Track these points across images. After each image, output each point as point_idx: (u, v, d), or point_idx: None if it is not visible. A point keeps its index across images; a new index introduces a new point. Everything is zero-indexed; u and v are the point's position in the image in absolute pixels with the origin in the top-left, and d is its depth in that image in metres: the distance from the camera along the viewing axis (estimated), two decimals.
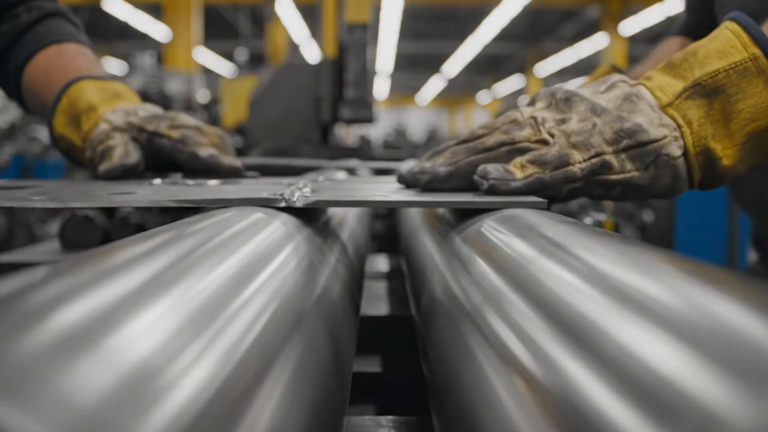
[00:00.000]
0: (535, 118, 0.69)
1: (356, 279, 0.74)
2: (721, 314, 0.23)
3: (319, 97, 2.90)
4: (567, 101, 0.70)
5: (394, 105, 30.43)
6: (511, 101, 21.22)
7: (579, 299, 0.31)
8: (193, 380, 0.23)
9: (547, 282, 0.36)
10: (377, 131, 14.10)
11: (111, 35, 18.95)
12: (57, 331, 0.21)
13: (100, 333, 0.22)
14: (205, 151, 0.97)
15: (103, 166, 0.95)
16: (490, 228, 0.53)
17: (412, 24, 17.39)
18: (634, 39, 16.91)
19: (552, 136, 0.67)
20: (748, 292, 0.25)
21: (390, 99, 29.15)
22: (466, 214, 0.62)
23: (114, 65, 20.68)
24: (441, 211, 0.78)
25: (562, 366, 0.27)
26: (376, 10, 11.16)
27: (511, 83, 25.59)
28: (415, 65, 24.33)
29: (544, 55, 21.13)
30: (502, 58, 23.00)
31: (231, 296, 0.31)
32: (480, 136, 0.70)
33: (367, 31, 2.83)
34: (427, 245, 0.76)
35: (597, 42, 16.58)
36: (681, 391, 0.20)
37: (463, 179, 0.68)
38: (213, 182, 0.88)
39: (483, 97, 29.53)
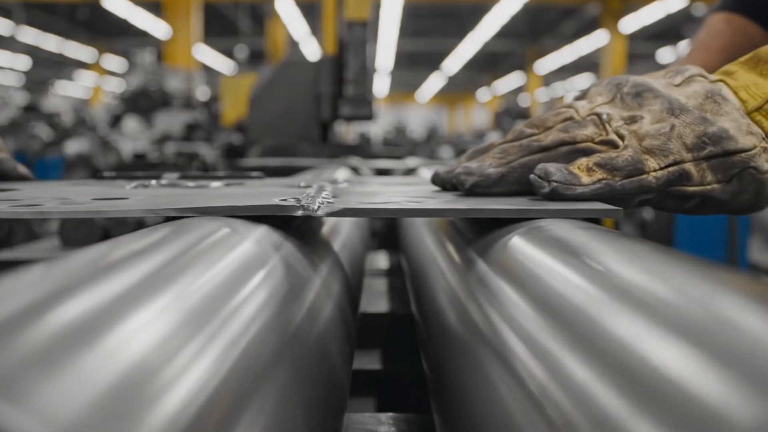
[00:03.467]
0: (599, 116, 0.61)
1: (352, 287, 0.71)
2: (727, 313, 0.23)
3: (318, 94, 2.90)
4: (637, 96, 0.61)
5: (394, 102, 30.42)
6: (511, 99, 21.21)
7: (581, 298, 0.31)
8: (183, 391, 0.23)
9: (560, 291, 0.36)
10: (377, 129, 14.09)
11: (111, 32, 18.93)
12: (55, 329, 0.21)
13: (97, 331, 0.22)
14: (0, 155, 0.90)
15: None
16: (517, 237, 0.46)
17: (412, 21, 17.37)
18: (634, 36, 16.89)
19: (621, 137, 0.59)
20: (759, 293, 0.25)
21: (390, 96, 29.13)
22: (481, 219, 0.56)
23: (114, 63, 20.67)
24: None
25: (560, 363, 0.27)
26: (376, 7, 11.16)
27: (511, 80, 25.57)
28: (415, 62, 24.31)
29: (544, 53, 21.11)
30: (502, 56, 22.98)
31: (204, 319, 0.27)
32: (531, 134, 0.62)
33: (367, 28, 2.83)
34: (427, 243, 0.76)
35: (597, 39, 16.57)
36: (682, 390, 0.20)
37: (515, 183, 0.60)
38: (216, 184, 0.83)
39: (483, 94, 29.51)
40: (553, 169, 0.56)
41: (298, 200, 0.55)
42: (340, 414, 0.47)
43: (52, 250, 1.11)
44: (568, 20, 17.92)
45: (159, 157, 5.31)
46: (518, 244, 0.44)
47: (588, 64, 20.91)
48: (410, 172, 1.76)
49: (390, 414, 0.65)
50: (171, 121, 7.15)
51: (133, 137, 6.99)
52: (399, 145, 7.52)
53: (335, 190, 0.69)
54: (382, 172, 1.94)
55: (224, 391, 0.24)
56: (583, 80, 24.33)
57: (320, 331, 0.43)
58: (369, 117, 2.85)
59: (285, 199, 0.56)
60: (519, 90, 25.31)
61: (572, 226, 0.44)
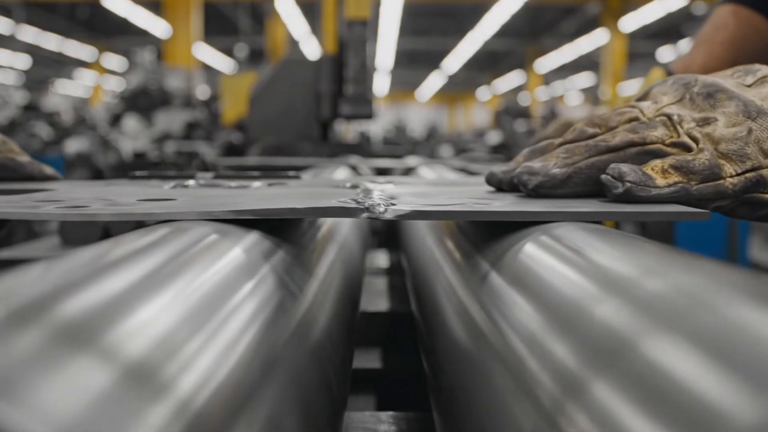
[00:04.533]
0: (668, 117, 0.59)
1: (352, 288, 0.70)
2: (727, 312, 0.23)
3: (318, 93, 2.90)
4: (709, 97, 0.59)
5: (394, 101, 30.41)
6: (511, 98, 21.21)
7: (581, 297, 0.31)
8: (177, 400, 0.23)
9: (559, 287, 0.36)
10: (377, 128, 14.09)
11: (111, 31, 18.92)
12: (53, 328, 0.21)
13: (96, 331, 0.22)
14: (24, 158, 0.89)
15: None
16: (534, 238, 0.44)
17: (412, 20, 17.36)
18: (634, 35, 16.89)
19: (694, 140, 0.57)
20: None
21: (390, 95, 29.12)
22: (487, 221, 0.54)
23: (114, 61, 20.67)
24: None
25: (560, 361, 0.27)
26: (376, 6, 11.15)
27: (511, 79, 25.56)
28: (415, 61, 24.30)
29: (544, 51, 21.10)
30: (502, 55, 22.97)
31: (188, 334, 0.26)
32: (593, 134, 0.60)
33: (367, 27, 2.82)
34: (428, 242, 0.76)
35: (597, 38, 16.56)
36: (684, 389, 0.20)
37: (581, 184, 0.58)
38: (257, 184, 0.80)
39: (483, 93, 29.51)
40: (627, 169, 0.55)
41: (357, 201, 0.52)
42: (338, 418, 0.47)
43: (53, 249, 1.11)
44: (568, 19, 17.91)
45: (159, 156, 5.31)
46: (523, 246, 0.44)
47: (588, 62, 20.89)
48: (410, 171, 1.76)
49: (390, 413, 0.65)
50: (171, 120, 7.15)
51: (133, 136, 6.99)
52: (399, 144, 7.51)
53: (384, 191, 0.67)
54: (382, 171, 1.94)
55: (215, 402, 0.24)
56: (583, 79, 24.31)
57: (316, 339, 0.42)
58: (369, 116, 2.85)
59: (343, 201, 0.53)
60: (519, 89, 25.30)
61: (579, 228, 0.44)
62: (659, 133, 0.58)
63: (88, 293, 0.24)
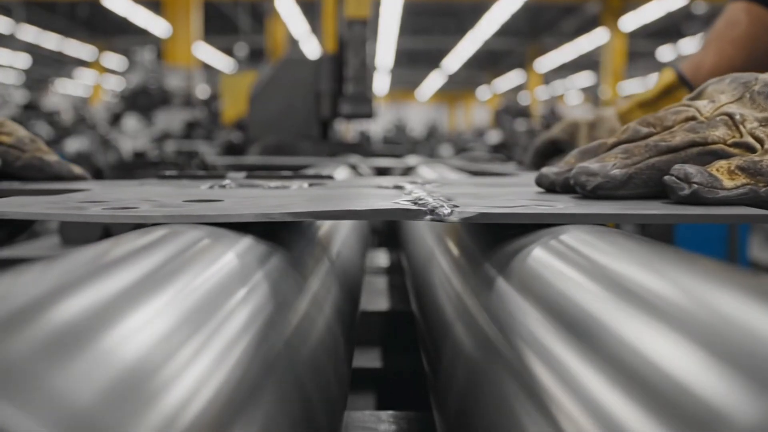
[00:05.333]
0: (730, 116, 0.58)
1: (351, 289, 0.69)
2: (727, 311, 0.23)
3: (318, 92, 2.90)
4: None
5: (394, 100, 30.40)
6: (511, 97, 21.21)
7: (585, 299, 0.31)
8: (170, 407, 0.23)
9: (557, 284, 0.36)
10: (377, 127, 14.08)
11: (110, 31, 18.92)
12: (52, 328, 0.21)
13: (95, 330, 0.22)
14: (52, 158, 0.88)
15: None
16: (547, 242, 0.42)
17: (412, 19, 17.36)
18: (634, 34, 16.89)
19: (758, 140, 0.56)
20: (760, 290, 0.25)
21: (390, 94, 29.11)
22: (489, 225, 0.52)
23: (114, 61, 20.67)
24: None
25: (560, 361, 0.27)
26: (376, 5, 11.15)
27: (511, 79, 25.55)
28: (415, 61, 24.30)
29: (544, 51, 21.10)
30: (502, 54, 22.96)
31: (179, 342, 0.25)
32: (649, 134, 0.59)
33: (367, 26, 2.82)
34: (428, 241, 0.76)
35: (597, 37, 16.56)
36: (685, 388, 0.20)
37: (642, 185, 0.57)
38: (298, 185, 0.78)
39: (483, 92, 29.50)
40: (693, 170, 0.53)
41: (416, 203, 0.51)
42: (338, 417, 0.47)
43: (53, 248, 1.11)
44: (568, 18, 17.90)
45: (159, 155, 5.31)
46: (526, 247, 0.44)
47: (588, 62, 20.89)
48: (410, 170, 1.76)
49: (390, 412, 0.65)
50: (171, 119, 7.15)
51: (133, 135, 6.99)
52: (399, 143, 7.51)
53: (435, 192, 0.64)
54: (382, 171, 1.94)
55: (208, 411, 0.23)
56: (583, 78, 24.30)
57: (315, 341, 0.42)
58: (369, 115, 2.85)
59: (397, 202, 0.52)
60: (519, 88, 25.29)
61: (585, 231, 0.44)
62: (721, 132, 0.57)
63: (67, 303, 0.23)
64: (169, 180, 0.90)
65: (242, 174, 0.91)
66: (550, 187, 0.64)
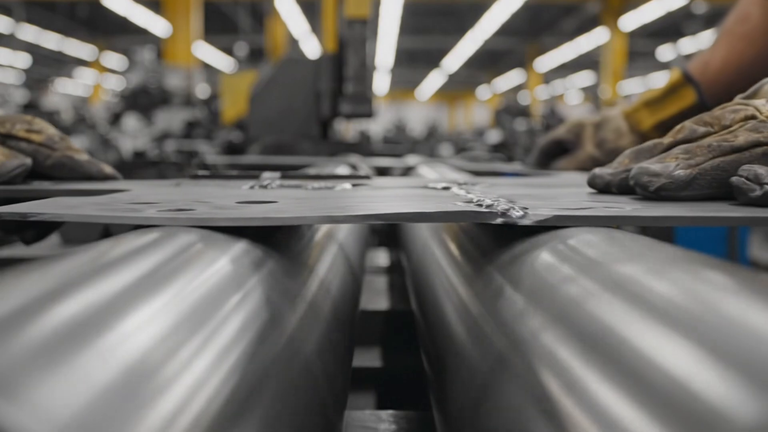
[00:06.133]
0: None
1: (351, 290, 0.68)
2: (717, 304, 0.23)
3: (318, 92, 2.90)
4: None
5: (394, 100, 30.40)
6: (511, 96, 21.20)
7: (584, 297, 0.31)
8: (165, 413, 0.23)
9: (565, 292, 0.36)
10: (377, 126, 14.09)
11: (110, 30, 18.91)
12: (51, 328, 0.21)
13: (89, 334, 0.22)
14: (83, 157, 0.86)
15: None
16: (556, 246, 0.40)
17: (412, 19, 17.35)
18: (634, 34, 16.89)
19: None
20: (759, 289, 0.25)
21: (390, 94, 29.10)
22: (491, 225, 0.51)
23: (114, 60, 20.67)
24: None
25: (559, 360, 0.27)
26: (376, 4, 11.14)
27: (511, 78, 25.55)
28: (415, 60, 24.29)
29: (544, 50, 21.10)
30: (502, 53, 22.96)
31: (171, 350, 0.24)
32: (707, 133, 0.59)
33: (367, 26, 2.82)
34: (428, 241, 0.76)
35: (597, 37, 16.56)
36: (685, 388, 0.20)
37: (706, 186, 0.56)
38: (341, 185, 0.76)
39: (483, 92, 29.49)
40: (764, 171, 0.52)
41: (484, 205, 0.49)
42: (339, 417, 0.47)
43: (53, 248, 1.11)
44: (568, 18, 17.90)
45: (159, 155, 5.31)
46: (525, 247, 0.44)
47: (588, 61, 20.88)
48: (410, 170, 1.76)
49: (390, 411, 0.65)
50: (171, 118, 7.15)
51: (133, 135, 6.99)
52: (399, 142, 7.51)
53: (491, 193, 0.62)
54: (382, 170, 1.94)
55: (202, 418, 0.23)
56: (583, 78, 24.30)
57: (313, 344, 0.42)
58: (369, 114, 2.85)
59: (469, 204, 0.51)
60: (519, 88, 25.29)
61: (585, 232, 0.44)
62: None
63: (61, 306, 0.23)
64: (202, 180, 0.88)
65: (275, 174, 0.90)
66: (605, 188, 0.63)
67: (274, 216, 0.46)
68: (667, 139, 0.61)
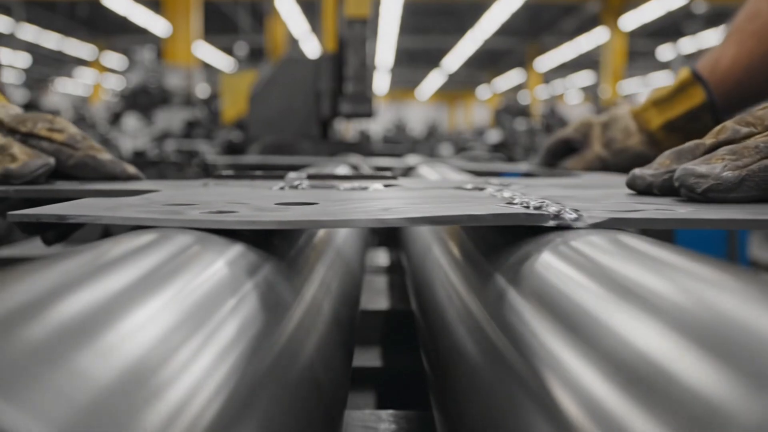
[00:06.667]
0: None
1: (351, 291, 0.68)
2: (726, 309, 0.23)
3: (318, 91, 2.90)
4: None
5: (394, 100, 30.41)
6: (511, 96, 21.21)
7: (583, 297, 0.31)
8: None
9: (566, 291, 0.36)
10: (377, 126, 14.09)
11: (111, 30, 18.92)
12: (51, 327, 0.21)
13: (94, 330, 0.22)
14: (106, 156, 0.83)
15: (11, 167, 0.75)
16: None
17: (412, 18, 17.36)
18: (634, 34, 16.89)
19: None
20: (755, 288, 0.25)
21: (390, 94, 29.11)
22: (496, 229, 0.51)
23: (114, 60, 20.67)
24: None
25: (559, 360, 0.27)
26: (376, 4, 11.15)
27: (511, 78, 25.56)
28: (415, 60, 24.30)
29: (544, 50, 21.10)
30: (502, 53, 22.96)
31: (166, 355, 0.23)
32: (749, 134, 0.58)
33: (367, 25, 2.82)
34: (428, 240, 0.76)
35: (597, 36, 16.56)
36: (685, 386, 0.20)
37: (755, 188, 0.55)
38: (374, 186, 0.74)
39: (483, 91, 29.50)
40: None
41: (534, 207, 0.47)
42: (338, 416, 0.47)
43: (53, 247, 1.11)
44: (568, 17, 17.91)
45: (158, 154, 5.31)
46: (526, 247, 0.44)
47: (588, 61, 20.89)
48: (410, 170, 1.76)
49: (390, 411, 0.65)
50: (171, 118, 7.16)
51: (133, 135, 6.99)
52: (399, 142, 7.52)
53: (525, 192, 0.61)
54: (382, 170, 1.94)
55: (204, 417, 0.23)
56: (583, 78, 24.31)
57: (313, 344, 0.42)
58: (369, 114, 2.85)
59: (514, 206, 0.49)
60: (519, 87, 25.30)
61: (587, 233, 0.44)
62: None
63: (45, 315, 0.22)
64: (228, 180, 0.86)
65: (302, 174, 0.88)
66: (647, 189, 0.62)
67: (326, 219, 0.44)
68: (708, 140, 0.60)
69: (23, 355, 0.18)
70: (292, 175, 0.90)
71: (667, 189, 0.60)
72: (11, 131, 0.80)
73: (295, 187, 0.73)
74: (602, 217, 0.44)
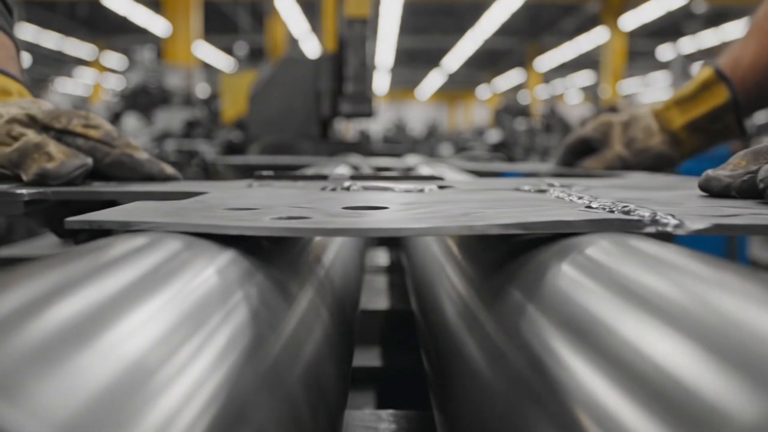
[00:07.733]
0: None
1: (350, 292, 0.67)
2: (727, 309, 0.23)
3: (318, 91, 2.90)
4: None
5: (394, 100, 30.40)
6: (511, 96, 21.20)
7: (582, 296, 0.31)
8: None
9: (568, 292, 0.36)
10: (377, 126, 14.09)
11: (110, 30, 18.91)
12: (50, 327, 0.21)
13: (92, 332, 0.22)
14: (143, 155, 0.79)
15: (48, 167, 0.71)
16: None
17: (412, 18, 17.35)
18: (634, 33, 16.89)
19: None
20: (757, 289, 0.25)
21: (390, 94, 29.10)
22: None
23: (114, 60, 20.66)
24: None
25: (559, 360, 0.27)
26: (376, 4, 11.15)
27: (511, 78, 25.55)
28: (415, 60, 24.29)
29: (544, 50, 21.10)
30: (502, 53, 22.96)
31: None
32: None
33: (367, 25, 2.82)
34: (428, 240, 0.76)
35: (597, 36, 16.56)
36: (685, 387, 0.20)
37: None
38: (401, 186, 0.71)
39: (483, 91, 29.49)
40: None
41: (624, 212, 0.44)
42: (339, 416, 0.47)
43: (53, 247, 1.11)
44: (568, 17, 17.90)
45: (159, 154, 5.31)
46: (527, 247, 0.44)
47: (588, 61, 20.89)
48: (410, 170, 1.76)
49: (390, 411, 0.65)
50: (171, 118, 7.15)
51: (133, 134, 6.98)
52: (399, 142, 7.52)
53: (594, 196, 0.57)
54: (382, 170, 1.94)
55: (203, 418, 0.23)
56: (583, 77, 24.31)
57: (313, 345, 0.42)
58: (369, 114, 2.85)
59: (592, 209, 0.47)
60: (519, 87, 25.29)
61: (596, 236, 0.43)
62: None
63: (43, 315, 0.22)
64: (269, 181, 0.83)
65: (344, 175, 0.85)
66: (723, 191, 0.59)
67: (417, 227, 0.42)
68: None
69: (16, 357, 0.18)
70: (335, 175, 0.86)
71: (746, 191, 0.57)
72: (45, 128, 0.75)
73: (347, 189, 0.70)
74: (706, 223, 0.41)
